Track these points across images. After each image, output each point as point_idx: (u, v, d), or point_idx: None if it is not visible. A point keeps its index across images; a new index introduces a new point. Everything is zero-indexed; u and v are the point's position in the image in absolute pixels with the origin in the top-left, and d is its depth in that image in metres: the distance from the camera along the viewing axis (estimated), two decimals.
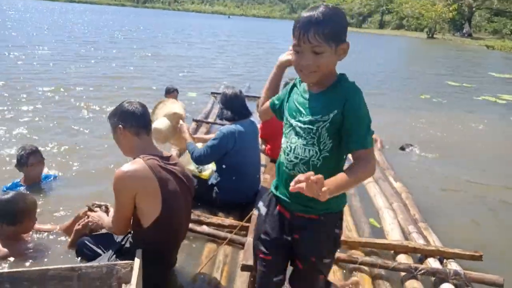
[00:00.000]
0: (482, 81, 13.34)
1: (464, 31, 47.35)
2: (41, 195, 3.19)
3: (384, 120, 6.55)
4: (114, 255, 2.03)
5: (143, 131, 2.01)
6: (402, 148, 5.32)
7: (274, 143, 4.01)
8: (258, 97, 7.00)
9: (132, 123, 1.98)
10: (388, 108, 7.72)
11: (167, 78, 8.86)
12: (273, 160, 4.02)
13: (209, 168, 3.33)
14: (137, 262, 1.76)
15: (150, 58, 11.95)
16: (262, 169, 3.89)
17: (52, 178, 3.46)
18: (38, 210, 2.56)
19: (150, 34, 21.11)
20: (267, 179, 3.48)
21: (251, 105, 6.71)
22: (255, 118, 4.32)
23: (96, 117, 5.62)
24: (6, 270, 1.77)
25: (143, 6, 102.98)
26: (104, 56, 11.69)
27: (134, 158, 1.95)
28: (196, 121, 5.36)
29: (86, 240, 2.24)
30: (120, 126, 1.98)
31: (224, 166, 3.08)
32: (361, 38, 36.83)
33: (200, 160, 3.04)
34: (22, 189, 3.13)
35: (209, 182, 3.18)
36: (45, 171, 3.44)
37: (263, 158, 4.17)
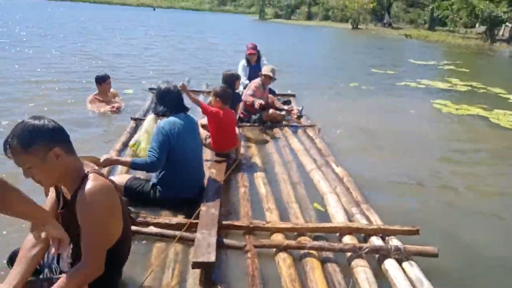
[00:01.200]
0: (403, 68, 14.34)
1: (385, 21, 50.37)
2: None
3: (321, 109, 6.81)
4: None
5: (71, 146, 1.70)
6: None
7: (218, 137, 3.95)
8: (199, 91, 6.94)
9: (64, 140, 1.64)
10: (323, 98, 7.97)
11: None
12: (218, 154, 3.97)
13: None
14: None
15: (78, 56, 11.11)
16: (208, 163, 3.86)
17: None
18: None
19: (72, 29, 19.65)
20: (213, 173, 3.43)
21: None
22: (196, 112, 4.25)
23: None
24: None
25: None
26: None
27: (74, 182, 1.66)
28: (135, 119, 5.14)
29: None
30: (57, 148, 1.58)
31: (166, 163, 2.97)
32: (290, 30, 37.75)
33: (153, 163, 2.87)
34: None
35: (150, 182, 3.06)
36: None
37: (209, 153, 4.13)
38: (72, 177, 1.66)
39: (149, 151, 2.90)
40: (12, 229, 2.62)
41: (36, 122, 1.57)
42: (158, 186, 3.03)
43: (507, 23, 34.63)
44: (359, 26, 46.85)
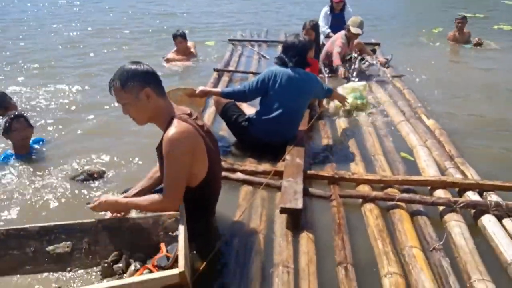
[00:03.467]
0: (495, 10, 12.73)
1: None
2: (34, 164, 3.07)
3: (407, 58, 6.27)
4: None
5: (163, 90, 1.87)
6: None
7: None
8: (277, 42, 6.82)
9: (156, 83, 1.81)
10: (408, 46, 7.35)
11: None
12: None
13: None
14: (182, 217, 1.76)
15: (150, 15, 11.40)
16: None
17: (40, 143, 3.36)
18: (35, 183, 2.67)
19: None
20: None
21: (269, 51, 6.55)
22: None
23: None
24: (61, 222, 1.85)
25: None
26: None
27: (163, 122, 1.82)
28: (217, 70, 5.24)
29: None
30: (148, 88, 1.76)
31: (261, 105, 3.13)
32: None
33: (243, 94, 3.11)
34: (13, 158, 3.05)
35: (246, 116, 3.20)
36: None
37: None
38: (161, 119, 1.84)
39: (248, 82, 3.16)
40: None
41: (133, 66, 1.79)
42: (251, 122, 3.13)
43: None
44: None
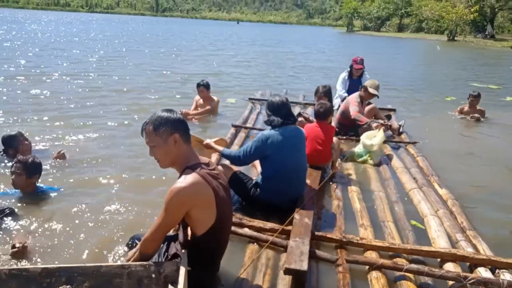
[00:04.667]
0: (508, 82, 12.99)
1: (487, 32, 46.28)
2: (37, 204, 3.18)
3: (421, 125, 6.44)
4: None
5: (189, 138, 2.01)
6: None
7: (309, 149, 3.97)
8: (296, 103, 7.09)
9: (184, 130, 1.96)
10: (421, 113, 7.51)
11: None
12: (311, 166, 3.95)
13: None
14: (183, 261, 1.81)
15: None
16: None
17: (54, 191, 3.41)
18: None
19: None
20: (307, 184, 3.46)
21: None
22: None
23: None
24: (63, 265, 1.87)
25: (161, 15, 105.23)
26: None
27: (180, 168, 1.94)
28: (235, 126, 5.42)
29: (137, 239, 2.29)
30: (177, 134, 1.92)
31: (266, 169, 3.14)
32: (380, 42, 36.52)
33: (239, 159, 3.17)
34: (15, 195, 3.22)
35: (254, 181, 3.24)
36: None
37: None
38: (180, 165, 1.97)
39: (244, 147, 3.18)
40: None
41: (166, 113, 1.96)
42: (259, 186, 3.17)
43: None
44: (456, 38, 43.68)
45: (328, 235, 2.78)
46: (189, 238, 1.96)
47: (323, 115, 3.99)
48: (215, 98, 6.38)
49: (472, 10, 42.29)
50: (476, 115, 6.77)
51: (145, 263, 1.87)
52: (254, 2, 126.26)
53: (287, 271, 2.23)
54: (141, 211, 3.16)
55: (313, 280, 2.39)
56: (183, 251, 1.91)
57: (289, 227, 2.71)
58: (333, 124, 5.21)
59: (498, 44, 37.67)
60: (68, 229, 2.85)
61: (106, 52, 14.87)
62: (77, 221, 2.96)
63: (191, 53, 16.61)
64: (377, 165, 4.48)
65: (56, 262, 2.42)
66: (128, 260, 2.02)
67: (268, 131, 3.12)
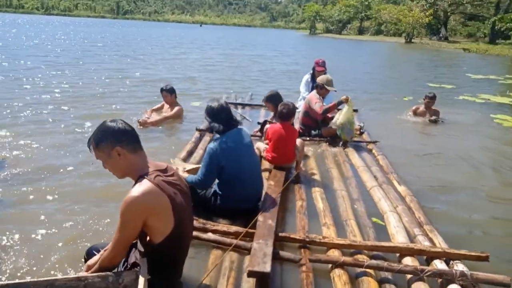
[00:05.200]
0: (461, 82, 13.70)
1: (441, 35, 48.70)
2: None
3: (381, 125, 6.65)
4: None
5: (138, 146, 1.94)
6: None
7: (274, 151, 4.03)
8: (260, 105, 7.11)
9: (128, 141, 1.89)
10: (381, 113, 7.76)
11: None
12: (276, 167, 4.01)
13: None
14: (143, 270, 1.77)
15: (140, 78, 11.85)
16: (266, 174, 3.94)
17: None
18: None
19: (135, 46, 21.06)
20: (271, 185, 3.47)
21: (254, 113, 6.83)
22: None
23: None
24: (13, 281, 1.79)
25: (122, 17, 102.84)
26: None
27: (135, 178, 1.89)
28: (199, 130, 5.35)
29: (95, 250, 2.20)
30: (118, 147, 1.86)
31: (222, 178, 3.09)
32: (342, 44, 37.45)
33: (203, 183, 3.07)
34: None
35: (212, 189, 3.19)
36: None
37: (267, 164, 4.19)
38: (133, 175, 1.92)
39: (199, 171, 3.09)
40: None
41: (107, 124, 1.90)
42: (218, 195, 3.14)
43: None
44: (413, 40, 45.55)
45: (292, 236, 2.81)
46: (147, 246, 1.92)
47: (286, 116, 4.02)
48: (178, 106, 6.23)
49: (427, 13, 44.34)
50: (433, 117, 6.96)
51: (102, 274, 1.82)
52: (218, 5, 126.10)
53: (251, 274, 2.23)
54: (98, 220, 3.05)
55: (277, 281, 2.40)
56: (142, 259, 1.86)
57: (254, 230, 2.71)
58: (296, 125, 5.30)
59: (452, 46, 39.65)
60: (18, 242, 2.71)
61: (62, 56, 14.32)
62: (28, 234, 2.82)
63: (154, 57, 16.30)
64: (339, 164, 4.58)
65: (4, 279, 2.30)
66: (87, 270, 1.95)
67: (213, 144, 3.03)
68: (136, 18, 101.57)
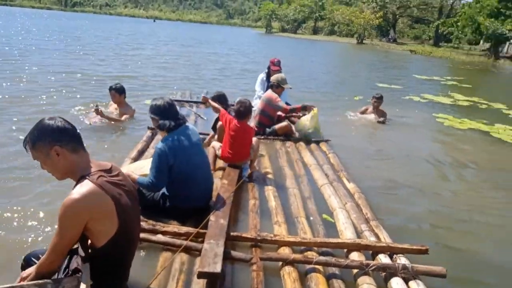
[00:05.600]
0: (407, 83, 14.45)
1: (390, 36, 51.04)
2: None
3: (332, 123, 6.84)
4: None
5: (79, 146, 1.84)
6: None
7: (230, 148, 4.02)
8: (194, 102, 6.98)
9: (67, 139, 1.79)
10: (333, 111, 7.95)
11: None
12: (230, 165, 4.01)
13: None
14: (85, 276, 1.71)
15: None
16: (220, 173, 3.93)
17: None
18: None
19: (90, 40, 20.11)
20: (224, 184, 3.45)
21: (209, 111, 6.74)
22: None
23: None
24: None
25: (71, 10, 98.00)
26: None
27: (76, 179, 1.80)
28: (151, 128, 5.21)
29: (33, 256, 2.07)
30: (57, 146, 1.75)
31: (171, 178, 3.00)
32: (297, 43, 38.10)
33: (153, 185, 2.95)
34: None
35: (160, 192, 3.10)
36: None
37: (222, 162, 4.18)
38: (74, 175, 1.82)
39: (149, 173, 2.97)
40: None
41: (44, 122, 1.79)
42: (167, 196, 3.06)
43: (511, 41, 34.89)
44: (364, 41, 47.31)
45: (244, 235, 2.82)
46: (89, 250, 1.84)
47: (243, 114, 4.00)
48: (131, 109, 6.02)
49: (377, 15, 46.26)
50: (381, 118, 7.20)
51: (40, 281, 1.71)
52: (173, 0, 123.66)
53: (201, 275, 2.21)
54: (34, 226, 2.90)
55: (227, 281, 2.40)
56: (84, 264, 1.78)
57: (205, 230, 2.69)
58: (252, 124, 5.32)
59: (400, 47, 41.63)
60: None
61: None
62: None
63: (104, 53, 15.62)
64: (292, 162, 4.66)
65: None
66: (21, 281, 1.83)
67: (161, 144, 2.94)
68: (86, 10, 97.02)
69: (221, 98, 4.86)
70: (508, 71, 26.76)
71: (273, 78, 5.60)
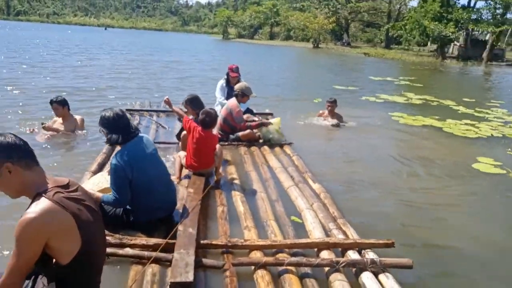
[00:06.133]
0: (363, 84, 15.00)
1: (344, 40, 52.84)
2: None
3: (293, 126, 6.95)
4: None
5: (33, 162, 1.76)
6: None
7: (194, 155, 3.99)
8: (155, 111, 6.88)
9: (19, 156, 1.70)
10: (293, 114, 8.08)
11: (77, 97, 8.26)
12: (195, 173, 3.96)
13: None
14: None
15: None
16: (186, 181, 3.87)
17: None
18: None
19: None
20: (190, 192, 3.41)
21: (168, 120, 6.60)
22: None
23: None
24: None
25: (15, 18, 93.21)
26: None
27: (32, 196, 1.72)
28: None
29: None
30: (9, 163, 1.67)
31: (131, 191, 2.89)
32: (254, 49, 38.48)
33: (118, 201, 2.85)
34: None
35: (123, 209, 3.00)
36: None
37: (186, 171, 4.14)
38: (29, 193, 1.73)
39: (112, 190, 2.85)
40: None
41: None
42: (129, 210, 2.97)
43: (455, 42, 37.22)
44: (319, 45, 48.63)
45: (214, 242, 2.80)
46: (54, 269, 1.74)
47: (208, 124, 4.00)
48: (77, 117, 5.72)
49: (330, 21, 47.69)
50: (335, 121, 7.30)
51: None
52: (125, 8, 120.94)
53: (173, 285, 2.18)
54: None
55: None
56: (50, 284, 1.69)
57: (174, 240, 2.64)
58: (214, 131, 5.29)
59: (354, 50, 43.19)
60: None
61: None
62: None
63: (54, 64, 14.88)
64: (257, 167, 4.68)
65: None
66: None
67: (115, 159, 2.81)
68: (31, 20, 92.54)
69: (193, 102, 4.80)
70: (454, 70, 28.46)
71: (237, 87, 5.61)
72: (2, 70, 11.98)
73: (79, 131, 5.63)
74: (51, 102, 5.48)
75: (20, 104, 7.55)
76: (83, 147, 5.27)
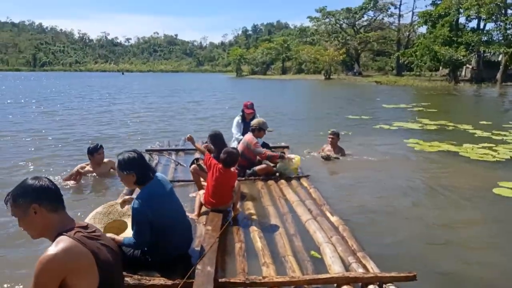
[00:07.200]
0: (376, 112, 15.01)
1: (355, 70, 53.51)
2: None
3: (309, 158, 6.97)
4: None
5: (60, 205, 1.91)
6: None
7: (212, 192, 4.04)
8: (194, 150, 7.08)
9: (47, 199, 1.86)
10: (310, 147, 7.99)
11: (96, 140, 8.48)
12: (213, 209, 4.00)
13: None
14: None
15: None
16: (204, 218, 3.91)
17: None
18: None
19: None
20: (208, 230, 3.43)
21: (187, 158, 6.73)
22: None
23: None
24: None
25: (41, 69, 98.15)
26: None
27: (52, 237, 1.83)
28: None
29: None
30: (36, 205, 1.82)
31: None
32: (268, 84, 39.21)
33: (139, 244, 2.90)
34: None
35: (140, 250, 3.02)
36: None
37: (204, 208, 4.17)
38: (50, 234, 1.86)
39: (133, 233, 2.89)
40: None
41: (28, 180, 1.90)
42: (146, 251, 2.99)
43: (467, 65, 37.12)
44: (331, 77, 49.26)
45: (232, 280, 2.78)
46: None
47: (229, 163, 4.09)
48: (106, 160, 5.95)
49: (340, 52, 48.58)
50: (338, 155, 7.13)
51: None
52: (143, 53, 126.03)
53: None
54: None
55: None
56: None
57: (192, 280, 2.64)
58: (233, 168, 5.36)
59: (365, 79, 43.57)
60: None
61: None
62: None
63: (79, 112, 15.49)
64: (274, 201, 4.69)
65: None
66: None
67: (137, 202, 2.85)
68: (55, 69, 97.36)
69: (215, 139, 4.97)
70: (468, 93, 28.28)
71: (254, 122, 5.76)
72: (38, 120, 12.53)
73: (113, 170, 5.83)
74: (94, 150, 5.70)
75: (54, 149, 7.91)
76: (110, 186, 5.51)
